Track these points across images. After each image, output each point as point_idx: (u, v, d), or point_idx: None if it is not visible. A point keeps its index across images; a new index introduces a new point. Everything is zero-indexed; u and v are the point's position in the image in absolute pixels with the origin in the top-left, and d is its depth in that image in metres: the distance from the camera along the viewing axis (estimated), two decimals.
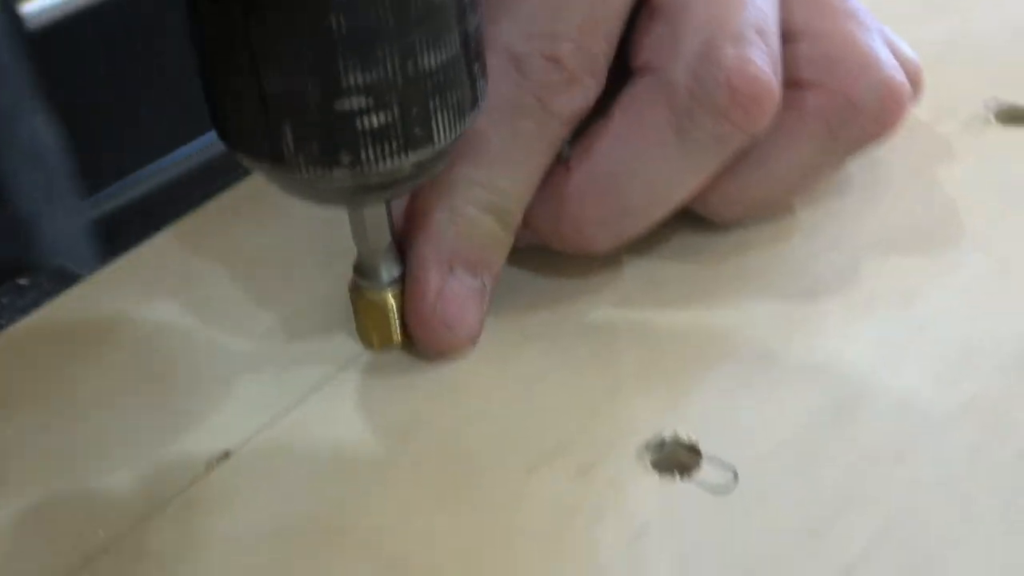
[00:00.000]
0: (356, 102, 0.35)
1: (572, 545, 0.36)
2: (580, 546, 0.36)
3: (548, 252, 0.45)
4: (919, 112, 0.50)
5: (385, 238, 0.41)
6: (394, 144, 0.36)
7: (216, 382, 0.43)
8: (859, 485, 0.37)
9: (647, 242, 0.46)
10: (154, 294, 0.46)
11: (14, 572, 0.37)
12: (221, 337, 0.44)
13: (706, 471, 0.38)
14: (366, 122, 0.35)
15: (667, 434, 0.39)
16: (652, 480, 0.38)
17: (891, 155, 0.49)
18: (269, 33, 0.34)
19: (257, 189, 0.50)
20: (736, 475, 0.38)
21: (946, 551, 0.35)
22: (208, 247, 0.48)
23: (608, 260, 0.45)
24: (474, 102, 0.38)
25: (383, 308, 0.43)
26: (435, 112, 0.36)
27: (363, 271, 0.42)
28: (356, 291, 0.43)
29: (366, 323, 0.43)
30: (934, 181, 0.48)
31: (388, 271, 0.42)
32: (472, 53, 0.37)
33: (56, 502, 0.39)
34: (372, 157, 0.36)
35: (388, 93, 0.35)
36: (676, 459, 0.39)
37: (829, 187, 0.47)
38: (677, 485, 0.38)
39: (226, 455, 0.40)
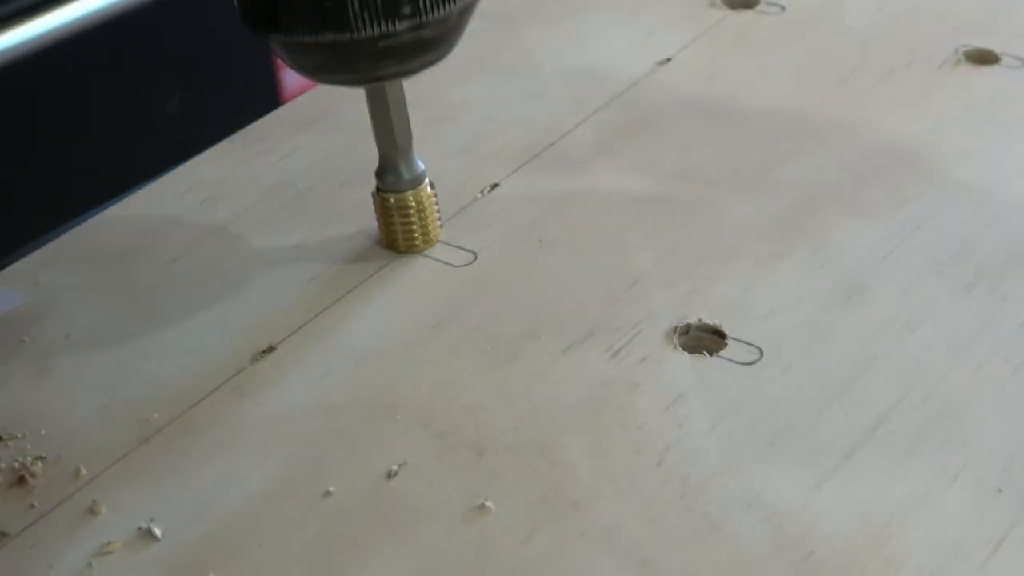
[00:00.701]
0: None
1: (613, 411, 0.39)
2: (621, 411, 0.39)
3: (555, 168, 0.48)
4: (897, 57, 0.54)
5: (407, 134, 0.43)
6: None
7: (254, 286, 0.44)
8: (876, 353, 0.40)
9: (654, 157, 0.48)
10: (188, 210, 0.48)
11: (77, 449, 0.39)
12: (256, 247, 0.46)
13: (733, 349, 0.41)
14: None
15: (691, 320, 0.42)
16: (683, 357, 0.40)
17: (877, 92, 0.52)
18: None
19: (276, 124, 0.52)
20: (762, 352, 0.40)
21: (960, 409, 0.38)
22: (237, 172, 0.50)
23: (616, 172, 0.48)
24: None
25: (405, 210, 0.45)
26: None
27: (384, 174, 0.44)
28: (378, 197, 0.45)
29: (390, 228, 0.45)
30: (916, 111, 0.51)
31: (409, 171, 0.44)
32: None
33: (112, 389, 0.41)
34: (428, 4, 0.38)
35: None
36: (702, 342, 0.41)
37: (829, 116, 0.51)
38: (707, 361, 0.40)
39: (271, 348, 0.42)
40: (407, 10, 0.38)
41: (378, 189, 0.45)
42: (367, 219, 0.46)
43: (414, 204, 0.44)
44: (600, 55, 0.56)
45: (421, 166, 0.44)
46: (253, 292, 0.44)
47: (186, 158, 0.89)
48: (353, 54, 0.39)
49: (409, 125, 0.43)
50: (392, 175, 0.44)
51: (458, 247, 0.45)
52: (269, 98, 1.11)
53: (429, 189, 0.44)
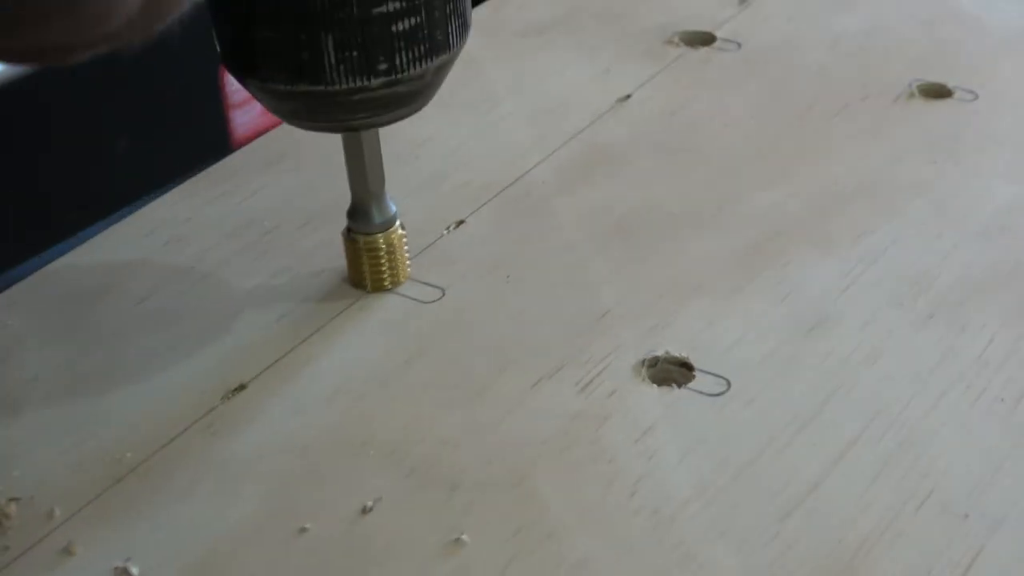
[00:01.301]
0: (392, 5, 0.38)
1: (584, 444, 0.39)
2: (592, 444, 0.39)
3: (519, 204, 0.48)
4: (852, 92, 0.55)
5: (380, 179, 0.44)
6: (422, 48, 0.39)
7: (223, 325, 0.44)
8: (839, 384, 0.41)
9: (616, 193, 0.49)
10: (154, 251, 0.48)
11: (50, 490, 0.39)
12: (223, 286, 0.46)
13: (701, 381, 0.41)
14: (399, 25, 0.38)
15: (659, 352, 0.42)
16: (651, 390, 0.41)
17: (833, 126, 0.53)
18: None
19: (238, 165, 0.53)
20: (729, 383, 0.41)
21: (924, 438, 0.39)
22: (200, 214, 0.50)
23: (579, 208, 0.49)
24: (467, 21, 0.41)
25: (375, 252, 0.45)
26: (450, 17, 0.39)
27: (356, 216, 0.45)
28: (348, 237, 0.45)
29: (359, 268, 0.45)
30: (873, 144, 0.52)
31: (381, 213, 0.45)
32: None
33: (83, 429, 0.41)
34: (404, 62, 0.39)
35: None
36: (670, 374, 0.42)
37: (788, 150, 0.52)
38: (675, 392, 0.41)
39: (241, 387, 0.42)
40: (384, 66, 0.39)
41: (348, 229, 0.45)
42: (334, 257, 0.47)
43: (384, 246, 0.45)
44: (560, 92, 0.57)
45: (393, 208, 0.44)
46: (222, 331, 0.44)
47: (135, 199, 0.89)
48: (328, 105, 0.40)
49: (382, 170, 0.44)
50: (363, 217, 0.44)
51: (426, 283, 0.46)
52: (219, 139, 1.11)
53: (400, 231, 0.45)
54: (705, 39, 0.60)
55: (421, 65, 0.39)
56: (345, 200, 0.45)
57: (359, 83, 0.39)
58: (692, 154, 0.52)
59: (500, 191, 0.50)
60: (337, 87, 0.39)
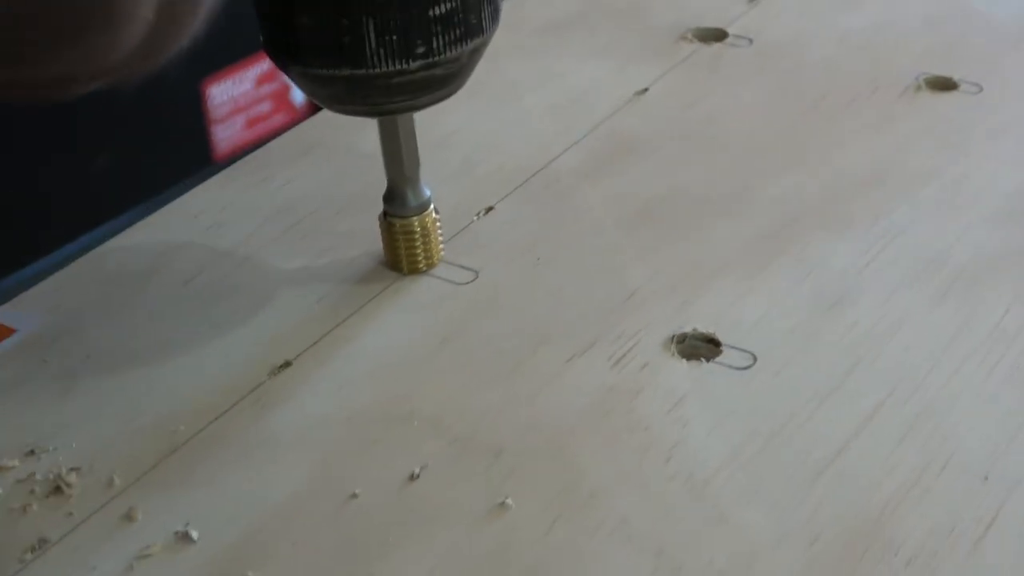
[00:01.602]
0: None
1: (619, 414, 0.41)
2: (627, 415, 0.41)
3: (546, 191, 0.50)
4: (861, 86, 0.57)
5: (415, 163, 0.46)
6: (457, 31, 0.41)
7: (266, 305, 0.46)
8: (862, 357, 0.42)
9: (640, 179, 0.51)
10: (198, 235, 0.50)
11: (108, 460, 0.40)
12: (265, 269, 0.48)
13: (728, 355, 0.43)
14: (436, 10, 0.40)
15: (687, 329, 0.44)
16: (681, 364, 0.43)
17: (844, 118, 0.55)
18: None
19: (273, 155, 0.54)
20: (755, 357, 0.43)
21: (943, 407, 0.41)
22: (240, 200, 0.52)
23: (604, 194, 0.51)
24: (498, 7, 0.43)
25: (410, 234, 0.47)
26: (483, 2, 0.41)
27: (392, 199, 0.47)
28: (385, 221, 0.47)
29: (395, 250, 0.47)
30: (883, 135, 0.54)
31: (416, 197, 0.46)
32: None
33: (137, 403, 0.42)
34: (441, 45, 0.41)
35: None
36: (698, 350, 0.44)
37: (802, 139, 0.54)
38: (704, 367, 0.43)
39: (287, 364, 0.44)
40: (421, 50, 0.41)
41: (385, 213, 0.47)
42: (369, 242, 0.48)
43: (419, 229, 0.46)
44: (580, 86, 0.58)
45: (427, 193, 0.46)
46: (265, 311, 0.46)
47: (116, 215, 0.90)
48: (368, 88, 0.42)
49: (418, 154, 0.45)
50: (399, 201, 0.46)
51: (460, 266, 0.48)
52: (200, 154, 1.12)
53: (434, 215, 0.47)
54: (717, 35, 0.62)
55: (457, 48, 0.41)
56: (377, 188, 0.47)
57: (399, 66, 0.41)
58: (710, 143, 0.54)
59: (528, 178, 0.52)
60: (378, 70, 0.41)
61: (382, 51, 0.40)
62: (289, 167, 0.53)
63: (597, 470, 0.39)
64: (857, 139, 0.54)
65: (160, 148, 1.01)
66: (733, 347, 0.43)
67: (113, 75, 0.59)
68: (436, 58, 0.41)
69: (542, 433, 0.40)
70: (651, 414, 0.41)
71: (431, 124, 0.52)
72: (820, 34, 0.62)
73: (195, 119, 1.09)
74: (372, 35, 0.40)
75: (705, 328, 0.44)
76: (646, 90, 0.58)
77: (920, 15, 0.63)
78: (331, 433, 0.41)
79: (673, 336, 0.44)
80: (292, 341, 0.45)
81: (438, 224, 0.47)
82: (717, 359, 0.43)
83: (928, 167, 0.52)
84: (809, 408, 0.41)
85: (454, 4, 0.41)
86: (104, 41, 0.54)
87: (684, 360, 0.43)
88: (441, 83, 0.43)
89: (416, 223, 0.47)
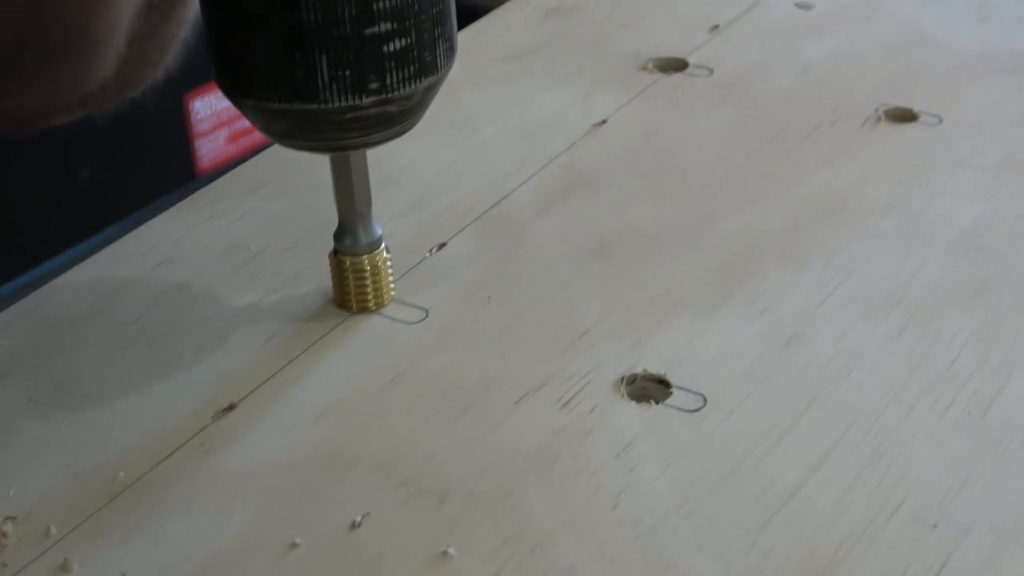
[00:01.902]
0: (384, 26, 0.39)
1: (567, 458, 0.40)
2: (575, 459, 0.40)
3: (500, 227, 0.50)
4: (821, 116, 0.57)
5: (367, 200, 0.45)
6: (411, 68, 0.40)
7: (212, 346, 0.45)
8: (814, 396, 0.42)
9: (595, 214, 0.51)
10: (145, 273, 0.49)
11: (46, 509, 0.39)
12: (213, 307, 0.47)
13: (678, 397, 0.42)
14: (390, 46, 0.40)
15: (637, 369, 0.44)
16: (630, 406, 0.42)
17: (804, 150, 0.55)
18: None
19: (224, 190, 0.54)
20: (705, 399, 0.42)
21: (896, 448, 0.40)
22: (189, 237, 0.51)
23: (558, 230, 0.50)
24: (454, 45, 0.42)
25: (360, 273, 0.46)
26: (438, 40, 0.41)
27: (342, 237, 0.46)
28: (335, 259, 0.46)
29: (345, 289, 0.47)
30: (842, 167, 0.54)
31: (367, 235, 0.46)
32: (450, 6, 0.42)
33: (78, 449, 0.42)
34: (395, 81, 0.40)
35: (408, 19, 0.40)
36: (648, 391, 0.43)
37: (760, 172, 0.53)
38: (654, 409, 0.42)
39: (231, 406, 0.43)
40: (374, 86, 0.40)
41: (335, 251, 0.46)
42: (320, 279, 0.48)
43: (369, 268, 0.46)
44: (538, 117, 0.58)
45: (379, 231, 0.46)
46: (212, 352, 0.45)
47: (101, 229, 0.89)
48: (321, 124, 0.41)
49: (370, 192, 0.45)
50: (350, 238, 0.45)
51: (410, 305, 0.47)
52: (184, 168, 1.11)
53: (385, 254, 0.46)
54: (678, 65, 0.61)
55: (411, 85, 0.41)
56: (329, 225, 0.46)
57: (351, 102, 0.40)
58: (667, 176, 0.54)
59: (482, 213, 0.52)
60: (330, 105, 0.40)
61: (335, 86, 0.40)
62: (241, 202, 0.53)
63: (543, 517, 0.38)
64: (816, 172, 0.53)
65: (143, 162, 1.00)
66: (684, 388, 0.43)
67: (88, 106, 0.59)
68: (389, 95, 0.40)
69: (488, 478, 0.40)
70: (599, 458, 0.40)
71: (385, 157, 0.52)
72: (781, 64, 0.61)
73: (178, 133, 1.08)
74: (325, 70, 0.40)
75: (656, 368, 0.43)
76: (604, 121, 0.57)
77: (881, 45, 0.63)
78: (274, 479, 0.40)
79: (623, 377, 0.43)
80: (238, 383, 0.44)
81: (388, 263, 0.47)
82: (667, 401, 0.42)
83: (886, 200, 0.51)
84: (760, 451, 0.40)
85: (408, 41, 0.40)
86: (77, 74, 0.54)
87: (634, 402, 0.42)
88: (394, 120, 0.42)
89: (366, 262, 0.46)
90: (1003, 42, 0.62)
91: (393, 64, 0.40)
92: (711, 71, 0.61)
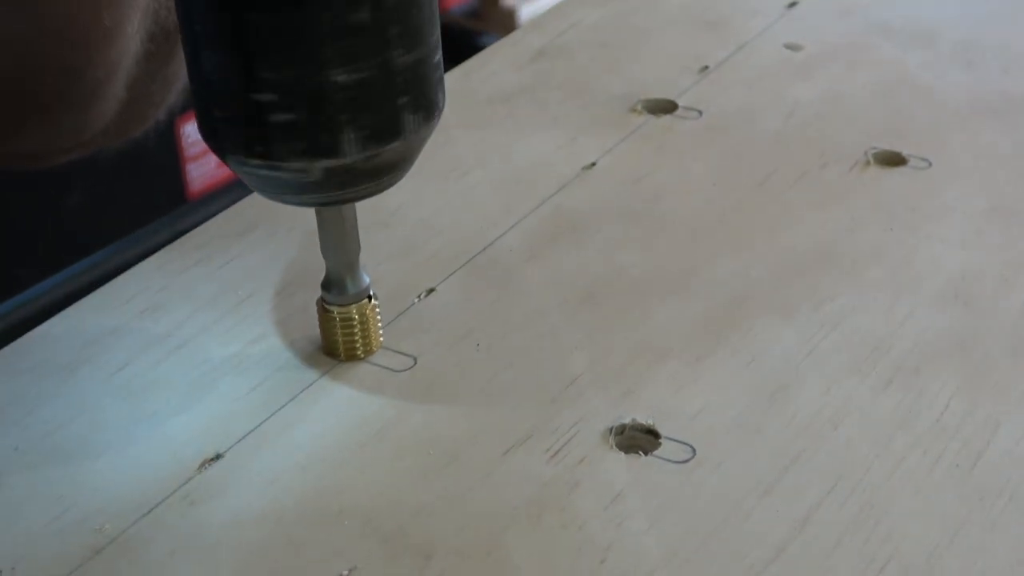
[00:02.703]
0: (267, 96, 0.39)
1: (555, 512, 0.40)
2: (562, 512, 0.40)
3: (488, 272, 0.50)
4: (810, 160, 0.57)
5: (356, 250, 0.45)
6: (300, 145, 0.39)
7: (199, 394, 0.45)
8: (802, 450, 0.42)
9: (583, 260, 0.51)
10: (130, 320, 0.49)
11: (31, 561, 0.39)
12: (199, 355, 0.47)
13: (667, 449, 0.42)
14: (276, 117, 0.39)
15: (626, 420, 0.43)
16: (619, 458, 0.42)
17: (793, 194, 0.55)
18: (208, 14, 0.38)
19: (211, 234, 0.54)
20: (694, 450, 0.42)
21: (884, 503, 0.40)
22: (175, 282, 0.51)
23: (547, 276, 0.50)
24: (396, 133, 0.41)
25: (349, 322, 0.46)
26: (345, 126, 0.39)
27: (330, 287, 0.46)
28: (322, 308, 0.46)
29: (332, 337, 0.46)
30: (831, 212, 0.54)
31: (355, 285, 0.46)
32: (399, 84, 0.40)
33: (63, 500, 0.41)
34: (281, 153, 0.39)
35: (296, 95, 0.39)
36: (637, 441, 0.43)
37: (749, 218, 0.53)
38: (643, 460, 0.42)
39: (217, 456, 0.43)
40: (259, 149, 0.40)
41: (323, 300, 0.46)
42: (307, 325, 0.48)
43: (357, 317, 0.46)
44: (527, 160, 0.58)
45: (366, 280, 0.45)
46: (198, 401, 0.45)
47: (91, 252, 0.89)
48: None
49: (358, 242, 0.45)
50: (337, 288, 0.45)
51: (398, 352, 0.47)
52: (175, 192, 1.11)
53: (373, 302, 0.46)
54: (667, 107, 0.61)
55: (300, 161, 0.40)
56: (316, 270, 0.46)
57: (241, 159, 0.40)
58: (656, 221, 0.54)
59: (470, 259, 0.52)
60: (227, 158, 0.41)
61: (228, 142, 0.40)
62: (228, 247, 0.53)
63: (530, 573, 0.38)
64: (804, 217, 0.53)
65: (134, 185, 1.00)
66: (672, 439, 0.43)
67: (89, 147, 0.58)
68: (276, 163, 0.40)
69: (475, 532, 0.39)
70: (587, 512, 0.40)
71: (373, 202, 0.52)
72: (770, 106, 0.61)
73: (169, 157, 1.08)
74: (220, 121, 0.40)
75: (645, 419, 0.43)
76: (594, 164, 0.57)
77: (870, 87, 0.63)
78: (259, 532, 0.40)
79: (612, 428, 0.43)
80: (224, 433, 0.44)
81: (377, 311, 0.46)
82: (656, 452, 0.42)
83: (875, 247, 0.51)
84: (747, 505, 0.40)
85: (295, 118, 0.39)
86: (76, 121, 0.54)
87: (622, 453, 0.42)
88: (329, 187, 0.42)
89: (355, 311, 0.46)
90: (990, 86, 0.62)
91: (279, 135, 0.39)
92: (700, 113, 0.61)
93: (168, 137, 1.10)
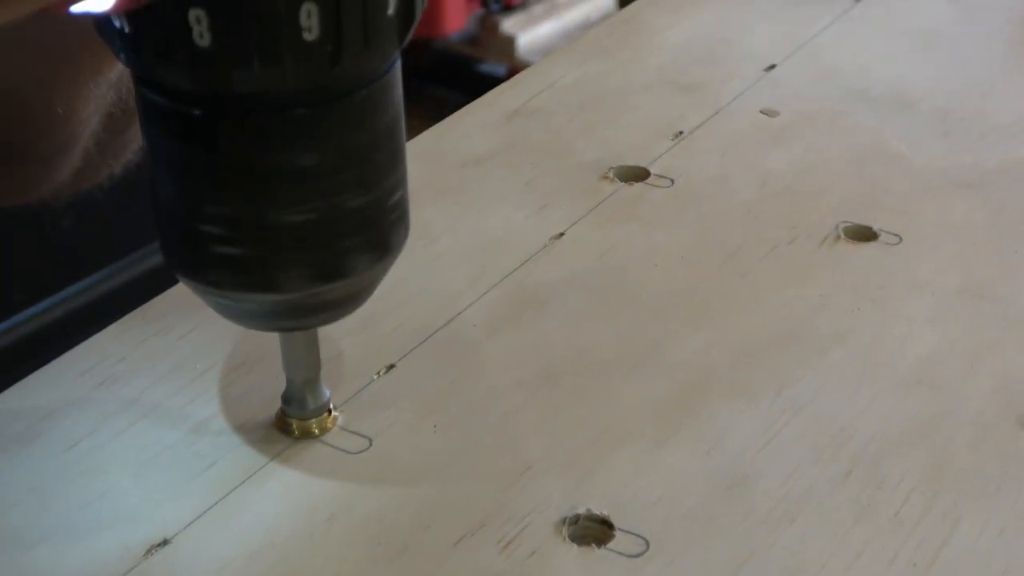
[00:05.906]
0: (212, 229, 0.38)
1: None
2: None
3: (449, 349, 0.49)
4: (781, 233, 0.56)
5: (316, 366, 0.45)
6: (244, 279, 0.39)
7: (151, 474, 0.45)
8: (757, 545, 0.41)
9: (545, 338, 0.50)
10: (88, 391, 0.48)
11: None
12: (155, 430, 0.46)
13: (620, 541, 0.42)
14: (219, 250, 0.38)
15: (580, 510, 0.43)
16: (571, 550, 0.42)
17: (761, 269, 0.54)
18: (160, 141, 0.38)
19: (171, 305, 0.53)
20: (648, 543, 0.41)
21: None
22: (134, 353, 0.50)
23: (508, 354, 0.49)
24: (342, 273, 0.40)
25: (308, 435, 0.46)
26: (289, 265, 0.39)
27: (290, 401, 0.46)
28: (283, 422, 0.46)
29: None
30: (798, 288, 0.53)
31: (315, 399, 0.46)
32: (348, 226, 0.39)
33: None
34: (226, 284, 0.39)
35: (240, 231, 0.38)
36: (591, 532, 0.42)
37: (716, 293, 0.53)
38: (595, 553, 0.41)
39: (165, 542, 0.42)
40: (201, 278, 0.40)
41: (283, 411, 0.46)
42: (264, 403, 0.47)
43: (317, 431, 0.46)
44: (496, 229, 0.57)
45: (327, 394, 0.45)
46: (148, 482, 0.44)
47: (81, 277, 0.88)
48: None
49: (319, 359, 0.44)
50: (297, 403, 0.45)
51: (354, 432, 0.46)
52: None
53: (334, 414, 0.46)
54: (639, 175, 0.61)
55: (247, 293, 0.40)
56: (275, 342, 0.46)
57: (188, 284, 0.41)
58: (621, 296, 0.53)
59: (432, 333, 0.51)
60: (179, 279, 0.41)
61: (175, 265, 0.40)
62: (187, 318, 0.52)
63: None
64: (771, 295, 0.53)
65: (124, 212, 0.99)
66: (627, 531, 0.42)
67: (43, 197, 0.58)
68: (222, 291, 0.40)
69: None
70: None
71: None
72: (743, 175, 0.61)
73: None
74: (171, 244, 0.40)
75: (600, 509, 0.43)
76: (562, 234, 0.57)
77: (844, 156, 0.62)
78: None
79: (566, 518, 0.43)
80: (174, 516, 0.43)
81: (337, 423, 0.46)
82: (609, 544, 0.42)
83: (840, 327, 0.51)
84: None
85: (241, 253, 0.39)
86: (38, 172, 0.53)
87: (575, 545, 0.42)
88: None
89: (314, 424, 0.46)
90: (966, 156, 0.62)
91: (225, 267, 0.39)
92: (672, 181, 0.61)
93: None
